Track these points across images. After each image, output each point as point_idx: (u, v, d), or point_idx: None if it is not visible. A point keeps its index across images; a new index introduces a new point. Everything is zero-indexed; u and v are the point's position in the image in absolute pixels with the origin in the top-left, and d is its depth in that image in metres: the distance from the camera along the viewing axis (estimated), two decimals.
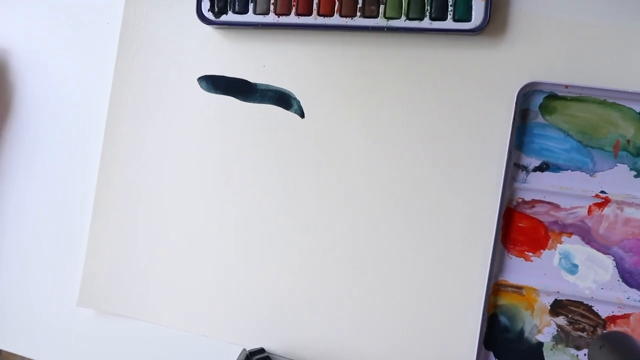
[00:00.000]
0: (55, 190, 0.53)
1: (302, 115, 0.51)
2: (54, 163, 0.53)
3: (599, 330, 0.49)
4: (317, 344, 0.51)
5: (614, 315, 0.49)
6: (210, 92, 0.52)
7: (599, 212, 0.49)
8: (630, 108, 0.48)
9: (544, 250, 0.49)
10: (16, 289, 0.54)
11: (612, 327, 0.49)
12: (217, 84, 0.52)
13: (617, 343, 0.38)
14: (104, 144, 0.53)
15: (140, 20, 0.52)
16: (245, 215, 0.52)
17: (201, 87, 0.52)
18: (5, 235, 0.54)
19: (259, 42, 0.52)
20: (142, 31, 0.52)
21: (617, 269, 0.49)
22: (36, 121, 0.53)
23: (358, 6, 0.50)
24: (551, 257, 0.49)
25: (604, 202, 0.49)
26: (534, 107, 0.49)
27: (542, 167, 0.49)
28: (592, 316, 0.49)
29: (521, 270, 0.49)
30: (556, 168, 0.49)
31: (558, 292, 0.49)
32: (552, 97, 0.49)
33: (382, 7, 0.50)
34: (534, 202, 0.49)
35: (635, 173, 0.48)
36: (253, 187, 0.52)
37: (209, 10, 0.51)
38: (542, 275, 0.49)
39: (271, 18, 0.50)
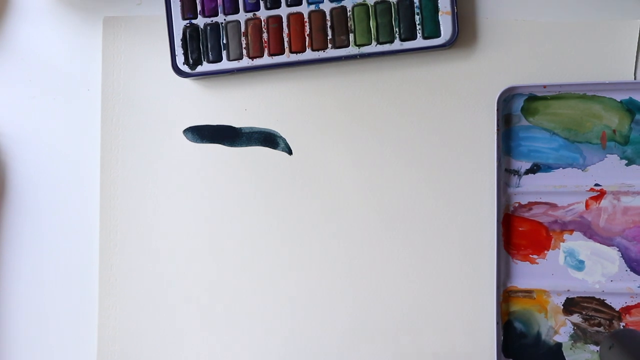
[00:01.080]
0: (59, 258, 0.54)
1: (289, 152, 0.52)
2: (55, 232, 0.54)
3: (615, 323, 0.49)
4: None
5: (627, 306, 0.49)
6: (197, 142, 0.52)
7: (597, 205, 0.49)
8: (610, 98, 0.48)
9: (548, 250, 0.49)
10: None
11: (628, 318, 0.48)
12: (203, 133, 0.52)
13: (626, 341, 0.38)
14: (101, 207, 0.53)
15: (119, 82, 0.53)
16: (246, 258, 0.52)
17: (187, 138, 0.53)
18: (19, 307, 0.54)
19: (237, 87, 0.52)
20: (122, 92, 0.53)
21: (624, 259, 0.49)
22: (33, 193, 0.54)
23: (328, 38, 0.50)
24: (556, 256, 0.49)
25: (600, 195, 0.49)
26: (516, 110, 0.49)
27: (534, 169, 0.49)
28: (606, 310, 0.49)
29: (528, 274, 0.49)
30: (547, 168, 0.49)
31: (568, 290, 0.49)
32: (532, 98, 0.49)
33: (351, 35, 0.50)
34: (530, 205, 0.49)
35: (627, 161, 0.49)
36: (250, 229, 0.52)
37: (184, 64, 0.51)
38: (550, 275, 0.49)
39: (245, 62, 0.51)
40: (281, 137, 0.52)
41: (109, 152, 0.53)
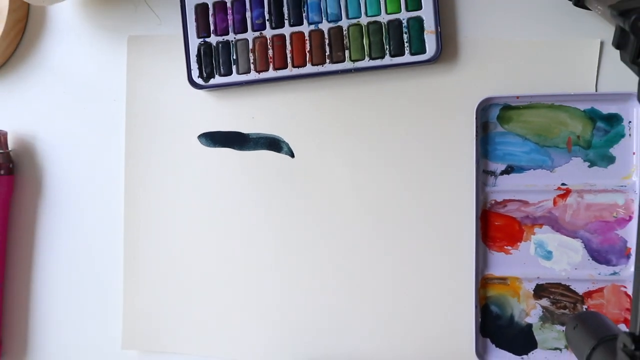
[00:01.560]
0: (89, 249, 0.59)
1: (292, 155, 0.55)
2: (86, 225, 0.59)
3: (579, 306, 0.53)
4: (337, 351, 0.55)
5: (589, 291, 0.53)
6: (210, 147, 0.57)
7: (563, 203, 0.53)
8: (575, 107, 0.52)
9: (520, 242, 0.53)
10: (63, 339, 0.59)
11: (590, 302, 0.53)
12: (215, 139, 0.56)
13: (588, 322, 0.41)
14: (125, 204, 0.58)
15: (142, 93, 0.57)
16: (252, 247, 0.56)
17: (202, 143, 0.57)
18: (50, 290, 0.59)
19: (246, 98, 0.56)
20: (144, 102, 0.57)
21: (586, 249, 0.53)
22: (66, 192, 0.59)
23: (326, 54, 0.55)
24: (527, 247, 0.53)
25: (566, 193, 0.52)
26: (492, 118, 0.53)
27: (508, 170, 0.52)
28: (570, 294, 0.53)
29: (503, 263, 0.53)
30: (520, 169, 0.52)
31: (538, 277, 0.53)
32: (507, 107, 0.52)
33: (347, 52, 0.55)
34: (505, 202, 0.53)
35: (589, 163, 0.53)
36: (256, 223, 0.56)
37: (198, 77, 0.56)
38: (522, 264, 0.53)
39: (253, 75, 0.55)
40: (284, 141, 0.56)
41: (133, 155, 0.57)
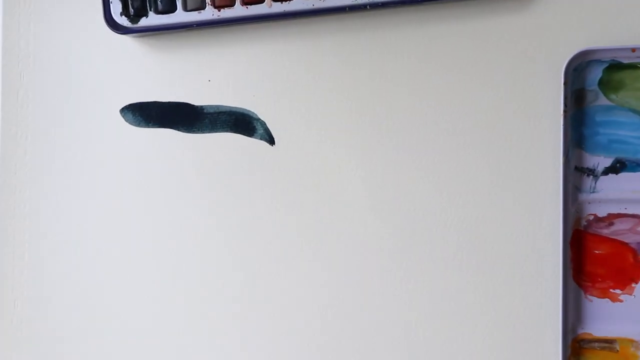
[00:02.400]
0: None
1: (270, 141, 0.43)
2: None
3: None
4: None
5: None
6: (141, 126, 0.44)
7: None
8: None
9: (637, 284, 0.41)
10: None
11: None
12: (149, 113, 0.44)
13: None
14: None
15: (27, 40, 0.44)
16: (210, 289, 0.44)
17: (127, 121, 0.44)
18: None
19: (197, 49, 0.44)
20: (31, 55, 0.44)
21: None
22: None
23: None
24: None
25: None
26: (592, 84, 0.41)
27: (616, 168, 0.42)
28: None
29: (609, 317, 0.42)
30: (636, 166, 0.41)
31: None
32: (616, 67, 0.41)
33: None
34: (611, 218, 0.42)
35: None
36: (214, 248, 0.44)
37: (122, 15, 0.42)
38: None
39: (209, 14, 0.42)
40: (259, 119, 0.43)
41: (12, 138, 0.45)
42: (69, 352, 0.43)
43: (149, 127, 0.44)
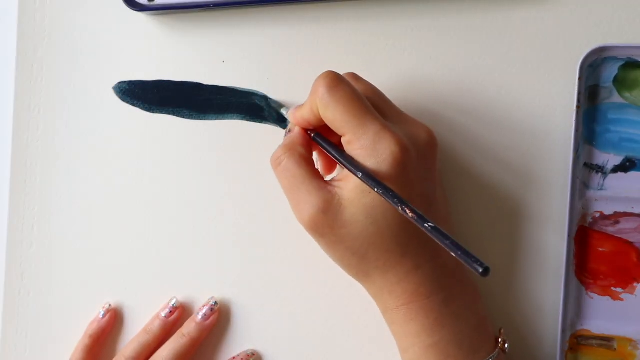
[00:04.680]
0: None
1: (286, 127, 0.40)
2: None
3: None
4: None
5: None
6: (154, 105, 0.41)
7: None
8: None
9: (639, 283, 0.39)
10: None
11: None
12: (159, 95, 0.41)
13: None
14: (11, 187, 0.42)
15: (44, 15, 0.42)
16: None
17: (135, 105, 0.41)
18: None
19: (213, 30, 0.41)
20: (47, 30, 0.42)
21: None
22: None
23: None
24: None
25: None
26: (606, 81, 0.39)
27: (626, 166, 0.40)
28: None
29: (609, 315, 0.40)
30: None
31: None
32: (632, 65, 0.39)
33: None
34: (617, 216, 0.40)
35: None
36: (226, 226, 0.42)
37: None
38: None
39: None
40: (273, 104, 0.40)
41: (25, 111, 0.43)
42: (74, 325, 0.42)
43: (157, 112, 0.42)
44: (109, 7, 0.41)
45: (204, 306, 0.39)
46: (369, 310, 0.38)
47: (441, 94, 0.41)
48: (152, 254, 0.42)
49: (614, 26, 0.39)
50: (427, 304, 0.33)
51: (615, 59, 0.39)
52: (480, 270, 0.28)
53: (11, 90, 0.43)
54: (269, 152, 0.39)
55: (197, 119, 0.41)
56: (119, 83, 0.40)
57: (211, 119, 0.41)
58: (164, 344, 0.39)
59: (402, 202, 0.30)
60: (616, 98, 0.39)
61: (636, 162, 0.39)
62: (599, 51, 0.38)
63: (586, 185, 0.39)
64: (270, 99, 0.41)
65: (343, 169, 0.33)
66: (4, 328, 0.42)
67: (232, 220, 0.41)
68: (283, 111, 0.38)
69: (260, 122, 0.41)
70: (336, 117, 0.32)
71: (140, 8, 0.40)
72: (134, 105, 0.41)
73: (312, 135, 0.35)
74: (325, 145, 0.34)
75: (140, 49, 0.42)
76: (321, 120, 0.33)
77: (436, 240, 0.29)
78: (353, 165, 0.32)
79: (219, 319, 0.40)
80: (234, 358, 0.39)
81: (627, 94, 0.39)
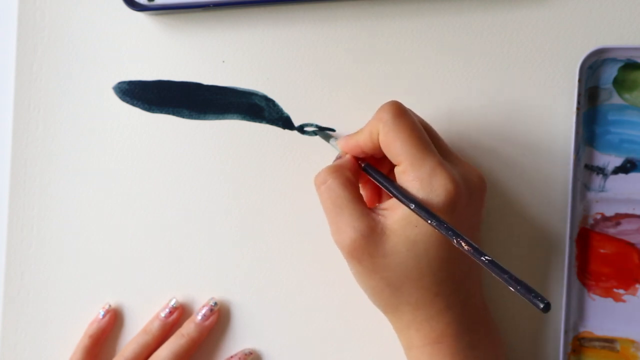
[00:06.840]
0: None
1: (291, 127, 0.40)
2: None
3: None
4: None
5: None
6: (153, 105, 0.40)
7: None
8: None
9: None
10: None
11: None
12: (160, 94, 0.40)
13: None
14: (11, 183, 0.41)
15: (43, 14, 0.41)
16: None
17: (135, 104, 0.40)
18: None
19: (213, 30, 0.40)
20: (47, 29, 0.41)
21: None
22: None
23: None
24: None
25: None
26: (606, 83, 0.39)
27: (626, 168, 0.39)
28: None
29: (611, 316, 0.39)
30: None
31: None
32: (631, 66, 0.38)
33: None
34: (618, 218, 0.39)
35: None
36: (232, 225, 0.41)
37: None
38: None
39: None
40: (273, 105, 0.40)
41: (25, 111, 0.41)
42: (74, 325, 0.41)
43: (156, 112, 0.41)
44: (109, 7, 0.40)
45: (203, 307, 0.38)
46: (369, 310, 0.37)
47: (441, 94, 0.40)
48: (152, 254, 0.41)
49: (614, 27, 0.39)
50: (454, 345, 0.33)
51: (614, 60, 0.38)
52: (541, 306, 0.27)
53: (11, 90, 0.42)
54: (269, 152, 0.38)
55: (197, 119, 0.40)
56: (119, 83, 0.40)
57: (211, 119, 0.40)
58: (163, 344, 0.38)
59: (457, 235, 0.29)
60: (616, 99, 0.39)
61: (637, 163, 0.38)
62: (599, 52, 0.38)
63: (587, 187, 0.39)
64: (274, 101, 0.40)
65: (389, 199, 0.33)
66: (4, 328, 0.41)
67: (232, 220, 0.40)
68: (332, 142, 0.38)
69: (260, 122, 0.40)
70: (397, 144, 0.32)
71: (140, 8, 0.39)
72: (134, 105, 0.40)
73: (363, 165, 0.35)
74: (376, 175, 0.34)
75: (140, 49, 0.41)
76: (376, 147, 0.33)
77: (493, 274, 0.28)
78: (405, 196, 0.31)
79: (219, 319, 0.39)
80: (231, 357, 0.39)
81: (626, 95, 0.38)
